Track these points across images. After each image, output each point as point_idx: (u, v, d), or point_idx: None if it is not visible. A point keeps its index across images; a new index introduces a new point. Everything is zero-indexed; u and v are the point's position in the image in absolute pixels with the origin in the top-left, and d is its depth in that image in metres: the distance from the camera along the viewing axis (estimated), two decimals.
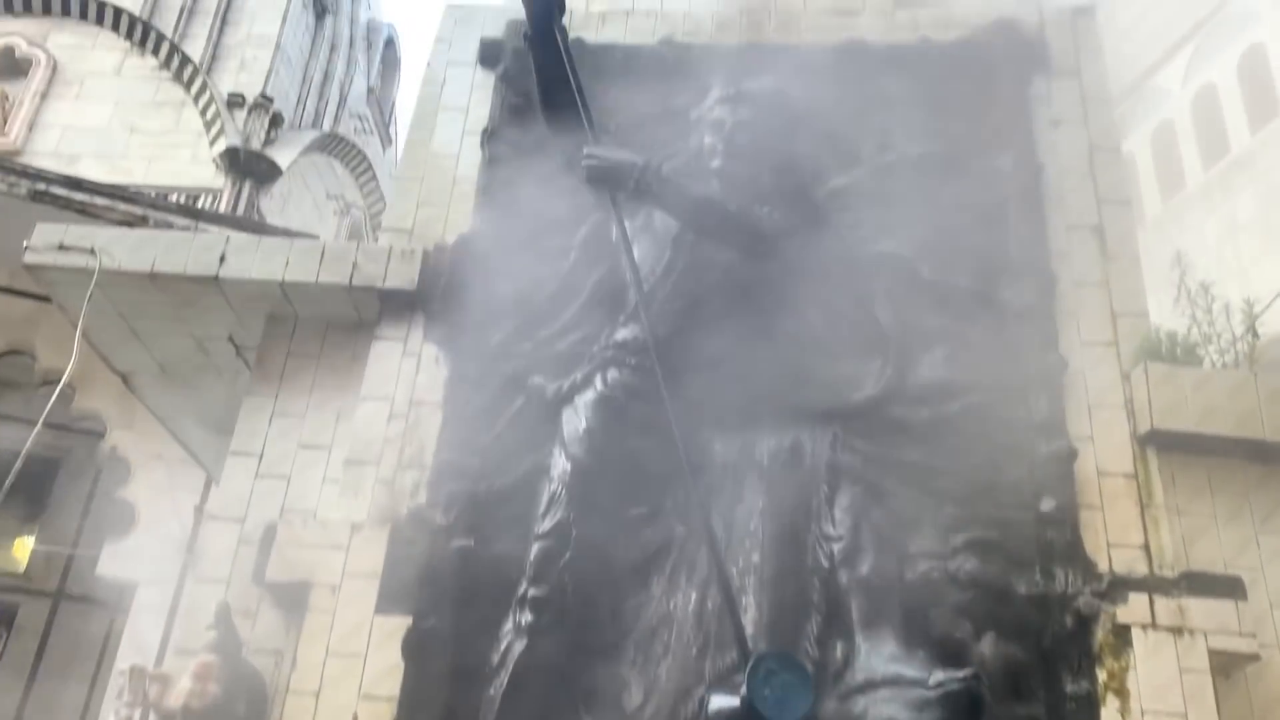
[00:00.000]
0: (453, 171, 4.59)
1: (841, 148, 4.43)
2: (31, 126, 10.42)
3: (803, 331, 3.89)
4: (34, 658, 8.48)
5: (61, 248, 4.33)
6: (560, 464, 3.67)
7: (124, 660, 6.52)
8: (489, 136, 4.62)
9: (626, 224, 3.83)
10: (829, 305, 3.97)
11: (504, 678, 3.35)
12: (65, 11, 11.14)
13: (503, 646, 3.42)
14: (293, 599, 3.72)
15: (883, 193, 4.28)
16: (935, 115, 4.48)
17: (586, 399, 3.79)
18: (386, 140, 15.45)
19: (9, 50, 10.75)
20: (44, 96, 10.65)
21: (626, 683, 3.38)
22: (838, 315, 3.97)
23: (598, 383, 3.81)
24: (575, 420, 3.75)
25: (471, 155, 4.61)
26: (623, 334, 3.88)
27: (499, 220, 4.36)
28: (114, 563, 7.04)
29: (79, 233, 4.39)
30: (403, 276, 4.23)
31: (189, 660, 3.54)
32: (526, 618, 3.43)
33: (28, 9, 11.10)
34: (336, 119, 12.86)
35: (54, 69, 10.78)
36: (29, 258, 4.32)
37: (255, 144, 10.58)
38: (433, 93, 4.86)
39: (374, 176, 13.24)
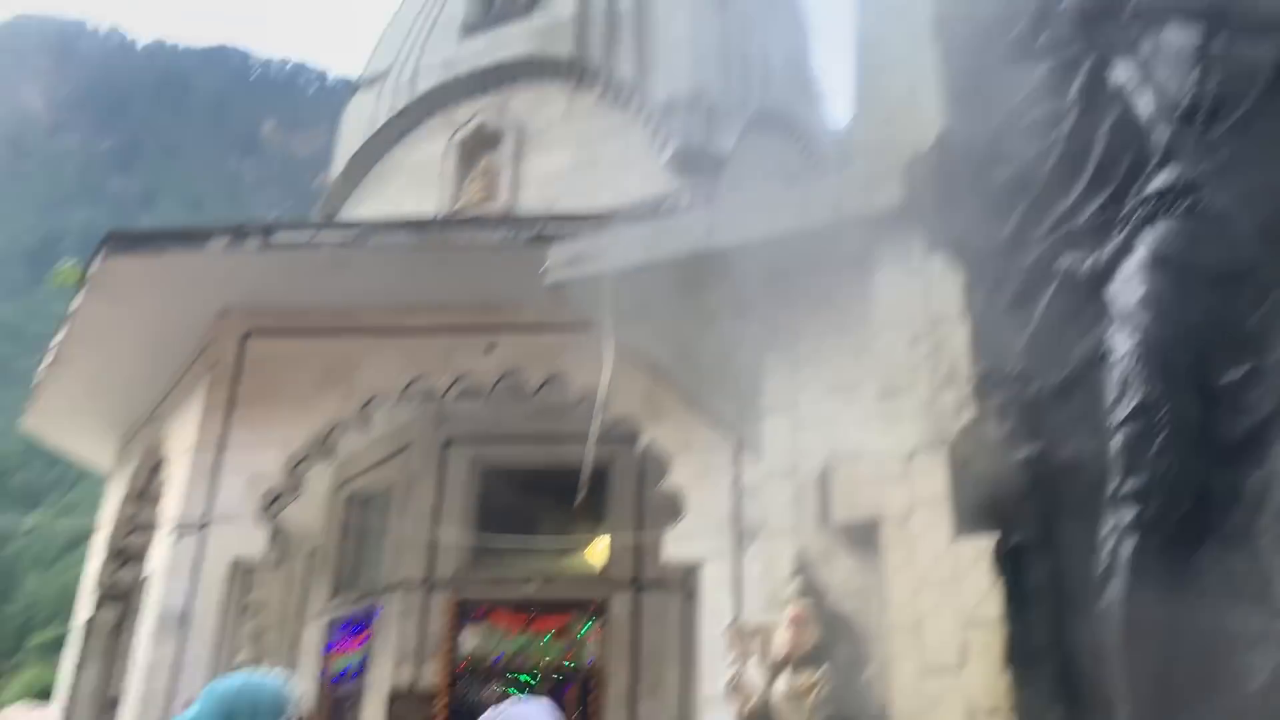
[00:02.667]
0: (911, 76, 4.31)
1: None
2: (514, 186, 11.76)
3: None
4: (629, 641, 9.52)
5: (573, 261, 4.71)
6: (1124, 342, 3.21)
7: (707, 631, 7.02)
8: (940, 27, 4.28)
9: (1130, 63, 3.31)
10: None
11: (1120, 583, 2.98)
12: (514, 80, 12.46)
13: (1107, 550, 3.05)
14: (861, 538, 3.68)
15: None
16: None
17: (1135, 264, 3.30)
18: (813, 100, 15.36)
19: (481, 126, 12.26)
20: (516, 158, 11.98)
21: (1271, 571, 2.86)
22: None
23: (1144, 243, 3.31)
24: (1130, 290, 3.27)
25: (927, 52, 4.29)
26: (1158, 181, 3.34)
27: (973, 109, 4.00)
28: (675, 546, 7.63)
29: (584, 244, 4.75)
30: (887, 196, 4.03)
31: (777, 615, 3.63)
32: (1128, 515, 3.03)
33: (483, 90, 12.59)
34: (762, 94, 12.99)
35: (518, 131, 12.09)
36: (550, 277, 4.73)
37: (696, 141, 11.03)
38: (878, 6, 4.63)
39: (809, 141, 13.21)
